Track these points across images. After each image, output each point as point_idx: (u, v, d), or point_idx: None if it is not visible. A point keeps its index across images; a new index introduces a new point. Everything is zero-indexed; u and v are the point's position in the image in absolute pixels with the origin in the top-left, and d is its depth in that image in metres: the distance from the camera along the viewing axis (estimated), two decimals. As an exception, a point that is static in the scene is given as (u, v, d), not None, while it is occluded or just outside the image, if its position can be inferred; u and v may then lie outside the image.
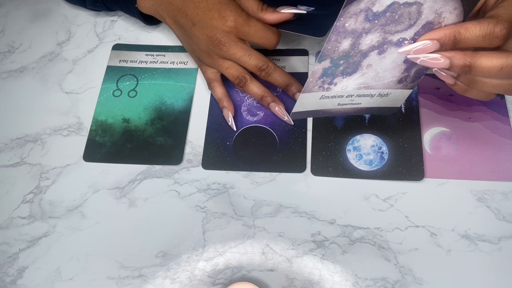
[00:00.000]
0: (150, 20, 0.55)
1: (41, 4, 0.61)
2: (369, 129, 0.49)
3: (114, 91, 0.53)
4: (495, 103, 0.49)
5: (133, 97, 0.53)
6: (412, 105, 0.50)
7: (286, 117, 0.49)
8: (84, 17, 0.60)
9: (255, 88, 0.48)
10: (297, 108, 0.40)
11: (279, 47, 0.49)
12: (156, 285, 0.42)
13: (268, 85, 0.49)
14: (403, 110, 0.49)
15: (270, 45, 0.47)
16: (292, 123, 0.49)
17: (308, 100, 0.39)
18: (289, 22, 0.49)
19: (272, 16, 0.47)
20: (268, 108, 0.49)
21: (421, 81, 0.51)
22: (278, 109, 0.48)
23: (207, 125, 0.50)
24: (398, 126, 0.49)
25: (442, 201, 0.45)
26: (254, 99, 0.51)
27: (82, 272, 0.43)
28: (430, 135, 0.48)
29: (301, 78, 0.52)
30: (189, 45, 0.50)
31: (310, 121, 0.50)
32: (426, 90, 0.51)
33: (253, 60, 0.46)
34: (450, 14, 0.32)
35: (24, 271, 0.44)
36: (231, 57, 0.46)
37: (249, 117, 0.51)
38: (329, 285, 0.41)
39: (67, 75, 0.56)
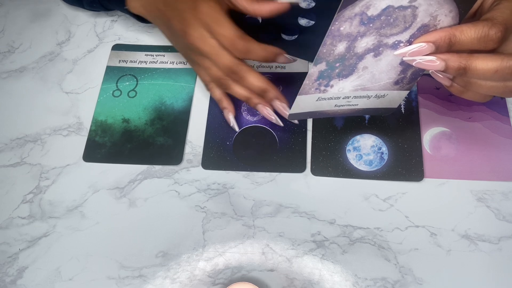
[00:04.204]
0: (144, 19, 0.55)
1: (41, 4, 0.61)
2: (369, 130, 0.49)
3: (114, 91, 0.53)
4: (495, 103, 0.49)
5: (133, 97, 0.53)
6: (411, 105, 0.50)
7: (274, 118, 0.46)
8: (84, 17, 0.60)
9: (238, 88, 0.45)
10: (294, 109, 0.40)
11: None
12: (156, 285, 0.42)
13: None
14: (403, 111, 0.49)
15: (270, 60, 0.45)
16: (282, 125, 0.47)
17: (304, 102, 0.39)
18: (290, 47, 0.48)
19: (264, 7, 0.43)
20: (256, 109, 0.46)
21: (420, 82, 0.51)
22: (266, 111, 0.45)
23: (207, 125, 0.50)
24: (398, 127, 0.49)
25: (442, 201, 0.45)
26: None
27: (82, 272, 0.43)
28: (430, 135, 0.48)
29: (301, 78, 0.52)
30: (179, 46, 0.49)
31: (310, 121, 0.50)
32: (426, 90, 0.51)
33: (223, 60, 0.43)
34: (446, 16, 0.32)
35: (24, 271, 0.44)
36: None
37: (249, 117, 0.51)
38: (329, 285, 0.41)
39: (67, 75, 0.56)
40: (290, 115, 0.41)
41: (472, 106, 0.49)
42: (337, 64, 0.35)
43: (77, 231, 0.46)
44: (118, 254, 0.44)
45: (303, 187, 0.46)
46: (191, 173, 0.48)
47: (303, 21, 0.56)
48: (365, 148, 0.48)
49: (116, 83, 0.54)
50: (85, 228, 0.46)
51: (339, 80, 0.37)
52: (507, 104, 0.49)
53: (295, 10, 0.57)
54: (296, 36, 0.55)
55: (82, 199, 0.47)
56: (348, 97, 0.39)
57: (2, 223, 0.46)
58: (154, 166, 0.49)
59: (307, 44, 0.54)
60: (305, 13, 0.56)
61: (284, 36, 0.55)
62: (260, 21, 0.56)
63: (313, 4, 0.57)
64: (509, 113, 0.49)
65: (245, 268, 0.43)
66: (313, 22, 0.56)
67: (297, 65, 0.53)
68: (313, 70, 0.35)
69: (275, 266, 0.43)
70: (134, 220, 0.46)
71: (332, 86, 0.37)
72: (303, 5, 0.57)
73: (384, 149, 0.48)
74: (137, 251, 0.44)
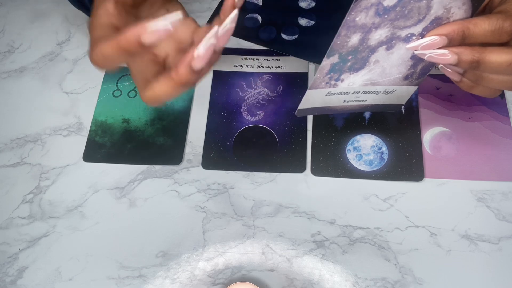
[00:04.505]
0: None
1: (41, 4, 0.61)
2: (369, 129, 0.49)
3: (114, 91, 0.53)
4: (495, 103, 0.49)
5: (133, 97, 0.53)
6: (412, 105, 0.50)
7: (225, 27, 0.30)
8: (84, 17, 0.60)
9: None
10: (303, 105, 0.40)
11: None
12: (156, 285, 0.42)
13: (269, 85, 0.49)
14: (403, 111, 0.49)
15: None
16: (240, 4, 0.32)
17: (314, 97, 0.39)
18: (290, 47, 0.48)
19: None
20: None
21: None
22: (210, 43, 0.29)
23: (207, 125, 0.50)
24: (398, 127, 0.49)
25: (442, 201, 0.45)
26: (255, 99, 0.51)
27: (82, 272, 0.43)
28: (430, 135, 0.48)
29: (301, 78, 0.52)
30: None
31: (310, 121, 0.50)
32: (426, 90, 0.51)
33: None
34: (459, 9, 0.32)
35: (24, 271, 0.44)
36: None
37: (249, 117, 0.51)
38: (329, 285, 0.41)
39: (67, 75, 0.56)
40: (299, 110, 0.41)
41: (472, 106, 0.49)
42: (350, 57, 0.35)
43: (77, 231, 0.46)
44: (118, 254, 0.44)
45: (303, 187, 0.46)
46: (191, 173, 0.48)
47: (303, 21, 0.56)
48: (365, 148, 0.48)
49: (116, 83, 0.54)
50: (85, 228, 0.46)
51: (350, 74, 0.37)
52: (507, 104, 0.49)
53: (295, 10, 0.57)
54: (296, 36, 0.55)
55: (82, 199, 0.47)
56: (357, 92, 0.39)
57: (2, 223, 0.46)
58: (154, 166, 0.49)
59: (307, 44, 0.54)
60: (305, 13, 0.56)
61: (284, 36, 0.55)
62: (260, 21, 0.56)
63: (313, 4, 0.57)
64: (509, 113, 0.49)
65: (245, 268, 0.43)
66: (313, 22, 0.56)
67: (297, 65, 0.53)
68: (325, 62, 0.35)
69: (275, 266, 0.43)
70: (134, 220, 0.46)
71: (342, 80, 0.37)
72: (303, 5, 0.57)
73: (384, 149, 0.48)
74: (137, 251, 0.44)
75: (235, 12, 0.29)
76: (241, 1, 0.32)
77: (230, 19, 0.29)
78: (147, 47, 0.27)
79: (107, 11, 0.32)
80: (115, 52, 0.28)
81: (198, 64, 0.29)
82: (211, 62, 0.31)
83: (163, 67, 0.33)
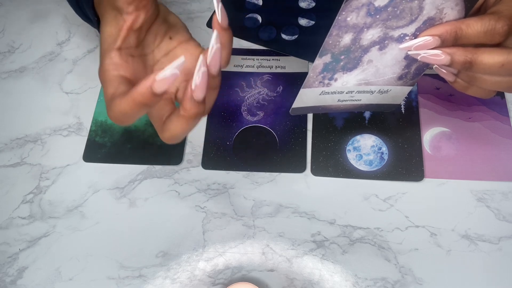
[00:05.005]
0: None
1: (41, 4, 0.61)
2: (369, 130, 0.49)
3: (114, 91, 0.53)
4: (495, 103, 0.49)
5: (133, 97, 0.53)
6: (412, 105, 0.50)
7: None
8: (84, 17, 0.60)
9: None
10: (297, 103, 0.40)
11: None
12: (156, 285, 0.42)
13: (269, 85, 0.49)
14: (403, 111, 0.49)
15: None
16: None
17: (308, 96, 0.39)
18: (290, 47, 0.48)
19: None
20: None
21: (420, 82, 0.51)
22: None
23: (207, 125, 0.50)
24: (398, 127, 0.49)
25: (442, 201, 0.45)
26: (255, 99, 0.51)
27: (82, 272, 0.43)
28: (430, 135, 0.48)
29: (301, 78, 0.52)
30: None
31: (310, 121, 0.50)
32: (426, 90, 0.51)
33: None
34: (452, 10, 0.32)
35: (24, 271, 0.44)
36: None
37: (249, 117, 0.51)
38: (329, 285, 0.41)
39: (67, 75, 0.56)
40: (293, 109, 0.41)
41: (472, 106, 0.49)
42: (342, 57, 0.35)
43: (77, 231, 0.46)
44: (118, 254, 0.44)
45: (303, 187, 0.46)
46: (191, 173, 0.48)
47: (303, 21, 0.56)
48: (365, 148, 0.48)
49: (116, 83, 0.54)
50: (85, 228, 0.46)
51: (343, 73, 0.37)
52: (507, 104, 0.49)
53: (295, 10, 0.57)
54: (296, 36, 0.55)
55: (82, 199, 0.47)
56: (351, 92, 0.39)
57: (2, 223, 0.46)
58: (154, 166, 0.49)
59: (307, 44, 0.54)
60: (305, 13, 0.56)
61: (284, 36, 0.55)
62: (260, 21, 0.56)
63: (313, 4, 0.57)
64: (509, 113, 0.49)
65: (245, 268, 0.43)
66: (313, 22, 0.56)
67: (297, 65, 0.53)
68: (318, 62, 0.35)
69: (275, 266, 0.43)
70: (134, 220, 0.46)
71: (336, 79, 0.37)
72: (303, 5, 0.57)
73: (384, 149, 0.48)
74: (137, 251, 0.44)
75: (215, 33, 0.30)
76: (225, 20, 0.32)
77: (213, 41, 0.30)
78: (160, 95, 0.28)
79: (112, 61, 0.33)
80: (132, 108, 0.29)
81: (199, 95, 0.29)
82: (213, 87, 0.33)
83: (175, 105, 0.34)
